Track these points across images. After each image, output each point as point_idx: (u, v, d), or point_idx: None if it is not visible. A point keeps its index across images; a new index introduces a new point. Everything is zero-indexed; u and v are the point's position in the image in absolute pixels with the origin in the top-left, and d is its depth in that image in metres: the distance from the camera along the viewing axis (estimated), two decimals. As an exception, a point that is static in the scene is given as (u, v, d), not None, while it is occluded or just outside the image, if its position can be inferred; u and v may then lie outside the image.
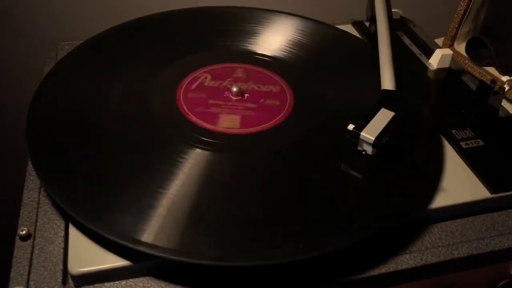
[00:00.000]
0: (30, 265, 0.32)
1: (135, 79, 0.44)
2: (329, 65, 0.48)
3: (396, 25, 0.57)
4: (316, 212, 0.34)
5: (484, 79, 0.48)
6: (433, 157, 0.40)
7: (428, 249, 0.35)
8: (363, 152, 0.37)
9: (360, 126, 0.37)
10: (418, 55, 0.52)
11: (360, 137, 0.36)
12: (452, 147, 0.41)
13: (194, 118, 0.40)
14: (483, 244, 0.36)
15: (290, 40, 0.50)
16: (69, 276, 0.32)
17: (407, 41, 0.55)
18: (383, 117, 0.38)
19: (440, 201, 0.37)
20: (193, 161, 0.36)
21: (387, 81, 0.43)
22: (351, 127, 0.37)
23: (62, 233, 0.34)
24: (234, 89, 0.43)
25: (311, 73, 0.47)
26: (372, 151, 0.37)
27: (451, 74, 0.50)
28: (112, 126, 0.39)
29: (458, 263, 0.35)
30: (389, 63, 0.45)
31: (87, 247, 0.32)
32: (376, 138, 0.36)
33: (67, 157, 0.37)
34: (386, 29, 0.49)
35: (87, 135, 0.38)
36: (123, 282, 0.32)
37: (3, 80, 0.72)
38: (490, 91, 0.43)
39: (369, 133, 0.36)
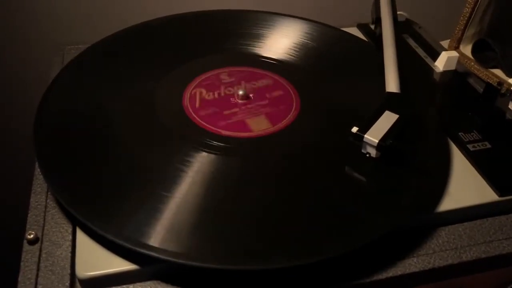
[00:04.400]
0: (38, 269, 0.32)
1: (141, 85, 0.44)
2: (334, 67, 0.48)
3: (402, 28, 0.57)
4: (322, 215, 0.34)
5: (490, 81, 0.47)
6: (440, 160, 0.40)
7: (436, 253, 0.35)
8: (367, 155, 0.37)
9: (364, 129, 0.37)
10: (424, 58, 0.52)
11: (364, 139, 0.36)
12: (459, 149, 0.41)
13: (228, 133, 0.40)
14: (491, 247, 0.36)
15: (295, 43, 0.50)
16: (76, 280, 0.32)
17: (412, 43, 0.55)
18: (387, 119, 0.38)
19: (447, 204, 0.37)
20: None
21: (392, 84, 0.43)
22: (355, 129, 0.37)
23: (70, 237, 0.34)
24: (240, 92, 0.43)
25: (316, 74, 0.47)
26: (376, 154, 0.37)
27: (457, 77, 0.50)
28: (120, 130, 0.40)
29: (466, 266, 0.35)
30: (394, 65, 0.45)
31: (94, 251, 0.32)
32: (380, 140, 0.36)
33: (74, 161, 0.37)
34: (391, 31, 0.49)
35: (94, 139, 0.39)
36: (131, 286, 0.32)
37: (10, 85, 0.73)
38: (497, 93, 0.43)
39: (373, 135, 0.36)
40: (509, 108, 0.45)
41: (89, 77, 0.45)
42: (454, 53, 0.50)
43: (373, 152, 0.37)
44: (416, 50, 0.53)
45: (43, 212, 0.36)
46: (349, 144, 0.37)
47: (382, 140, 0.36)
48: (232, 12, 0.54)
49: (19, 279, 0.32)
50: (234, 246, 0.32)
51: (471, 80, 0.49)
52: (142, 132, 0.39)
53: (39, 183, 0.38)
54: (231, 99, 0.44)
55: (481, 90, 0.47)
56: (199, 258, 0.30)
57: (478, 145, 0.41)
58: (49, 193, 0.37)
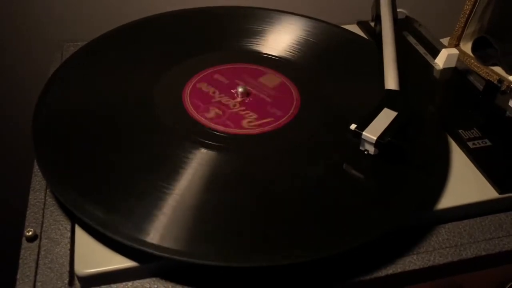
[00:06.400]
0: (37, 266, 0.32)
1: (141, 81, 0.44)
2: (334, 64, 0.48)
3: (402, 25, 0.57)
4: (321, 213, 0.34)
5: (491, 79, 0.47)
6: (439, 157, 0.40)
7: (436, 250, 0.35)
8: (365, 152, 0.37)
9: (362, 126, 0.37)
10: (424, 55, 0.52)
11: (362, 136, 0.36)
12: (459, 147, 0.41)
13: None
14: (491, 245, 0.36)
15: (295, 40, 0.50)
16: (75, 277, 0.32)
17: (412, 41, 0.54)
18: (386, 116, 0.38)
19: (447, 201, 0.36)
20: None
21: (391, 81, 0.42)
22: (353, 126, 0.37)
23: (68, 234, 0.34)
24: (240, 89, 0.43)
25: (316, 71, 0.47)
26: (374, 151, 0.36)
27: (457, 74, 0.50)
28: (118, 127, 0.39)
29: (466, 264, 0.35)
30: (393, 63, 0.44)
31: (93, 248, 0.32)
32: (378, 137, 0.36)
33: (73, 158, 0.37)
34: (391, 28, 0.49)
35: (93, 136, 0.38)
36: (130, 283, 0.32)
37: (9, 81, 0.73)
38: (497, 90, 0.43)
39: (371, 132, 0.36)
40: (509, 106, 0.45)
41: (88, 74, 0.45)
42: (454, 51, 0.50)
43: (371, 149, 0.37)
44: (416, 47, 0.53)
45: (42, 209, 0.36)
46: (348, 141, 0.37)
47: (380, 137, 0.36)
48: (231, 9, 0.54)
49: (18, 276, 0.32)
50: (233, 243, 0.32)
51: (471, 78, 0.49)
52: (141, 129, 0.39)
53: (38, 180, 0.38)
54: (235, 103, 0.43)
55: (481, 87, 0.47)
56: (198, 255, 0.30)
57: (478, 143, 0.41)
58: (48, 190, 0.37)
